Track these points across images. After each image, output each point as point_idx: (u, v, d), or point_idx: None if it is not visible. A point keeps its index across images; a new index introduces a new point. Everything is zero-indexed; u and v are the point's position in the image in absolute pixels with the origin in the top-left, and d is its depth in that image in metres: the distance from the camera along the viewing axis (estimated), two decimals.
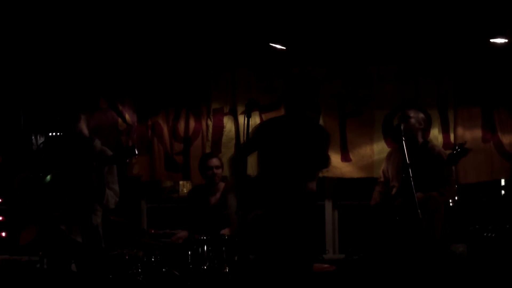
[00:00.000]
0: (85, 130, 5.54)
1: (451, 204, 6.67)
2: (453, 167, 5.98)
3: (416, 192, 5.26)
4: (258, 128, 5.39)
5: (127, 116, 7.51)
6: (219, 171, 6.66)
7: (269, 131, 5.16)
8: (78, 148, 5.41)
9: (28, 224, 4.99)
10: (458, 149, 5.54)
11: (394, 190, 5.98)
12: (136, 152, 5.06)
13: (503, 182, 7.62)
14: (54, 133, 5.56)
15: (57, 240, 5.28)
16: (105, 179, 5.43)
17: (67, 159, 5.34)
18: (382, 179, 6.31)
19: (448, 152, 6.05)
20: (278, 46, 6.98)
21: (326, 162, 5.05)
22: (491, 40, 6.71)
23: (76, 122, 5.42)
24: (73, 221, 5.30)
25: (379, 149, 7.18)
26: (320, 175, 5.56)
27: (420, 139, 6.08)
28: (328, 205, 7.68)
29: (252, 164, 5.35)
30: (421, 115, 6.17)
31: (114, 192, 5.53)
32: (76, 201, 5.25)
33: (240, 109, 7.36)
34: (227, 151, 7.35)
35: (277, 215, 4.89)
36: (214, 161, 6.67)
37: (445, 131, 7.09)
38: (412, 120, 6.01)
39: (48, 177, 5.20)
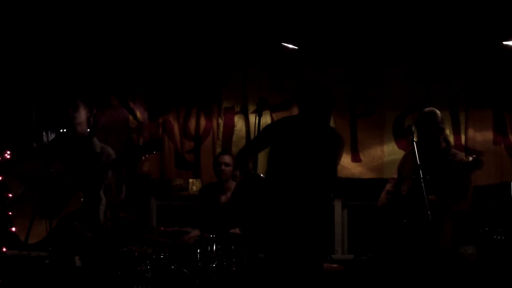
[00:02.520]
0: (84, 127, 5.51)
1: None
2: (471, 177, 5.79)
3: (430, 194, 5.24)
4: (272, 125, 5.36)
5: (138, 114, 7.53)
6: (227, 168, 6.66)
7: (284, 129, 5.13)
8: (78, 146, 5.41)
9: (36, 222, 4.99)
10: (471, 160, 5.36)
11: (405, 191, 5.89)
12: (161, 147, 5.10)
13: None
14: (63, 130, 5.55)
15: (66, 236, 5.29)
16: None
17: (68, 156, 5.34)
18: (395, 176, 6.13)
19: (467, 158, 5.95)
20: (290, 46, 6.98)
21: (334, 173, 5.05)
22: (504, 43, 6.69)
23: (72, 119, 5.40)
24: (85, 217, 5.32)
25: (390, 150, 7.18)
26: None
27: (443, 143, 5.85)
28: (338, 205, 7.68)
29: (261, 163, 5.34)
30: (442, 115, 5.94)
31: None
32: (86, 197, 5.26)
33: (251, 108, 7.37)
34: (238, 150, 7.32)
35: (288, 215, 4.89)
36: (225, 158, 6.68)
37: (456, 133, 7.07)
38: (439, 120, 5.78)
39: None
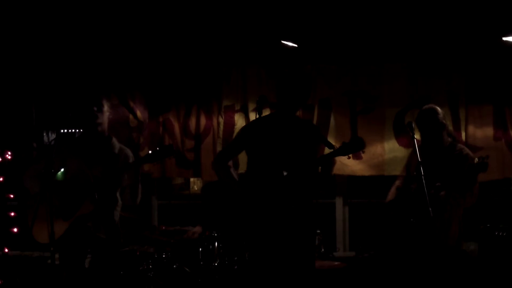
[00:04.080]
0: (105, 127, 5.45)
1: None
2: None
3: (441, 191, 5.22)
4: (247, 127, 5.26)
5: (138, 113, 7.53)
6: None
7: (260, 130, 5.05)
8: (98, 147, 5.39)
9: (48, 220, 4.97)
10: (477, 162, 5.28)
11: (414, 187, 5.85)
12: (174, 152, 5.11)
13: None
14: (65, 130, 5.53)
15: (80, 237, 5.27)
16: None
17: (86, 156, 5.32)
18: (404, 173, 6.12)
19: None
20: (290, 43, 6.98)
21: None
22: (503, 38, 6.68)
23: (95, 118, 5.37)
24: (100, 219, 5.30)
25: (390, 147, 7.17)
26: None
27: (447, 138, 5.84)
28: (339, 203, 7.69)
29: (243, 162, 5.28)
30: (442, 111, 5.92)
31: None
32: (102, 198, 5.25)
33: (251, 106, 7.36)
34: None
35: (274, 214, 4.84)
36: None
37: (456, 129, 7.05)
38: (440, 116, 5.76)
39: (60, 174, 5.20)
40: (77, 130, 5.45)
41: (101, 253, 5.33)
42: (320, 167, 5.06)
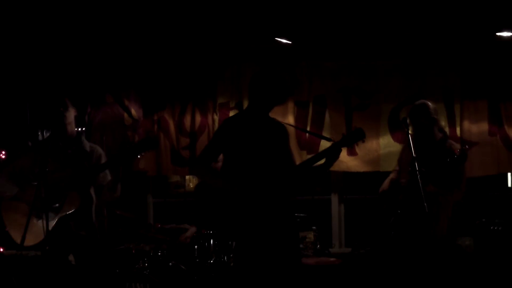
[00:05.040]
0: (73, 126, 5.46)
1: None
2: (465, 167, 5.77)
3: (427, 184, 5.23)
4: (224, 126, 5.19)
5: (133, 111, 7.51)
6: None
7: (237, 129, 4.94)
8: (68, 147, 5.39)
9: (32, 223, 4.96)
10: (458, 154, 5.32)
11: (403, 182, 5.88)
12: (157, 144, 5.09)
13: (509, 176, 7.61)
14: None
15: (62, 236, 5.28)
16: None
17: (60, 156, 5.33)
18: (397, 168, 6.13)
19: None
20: (284, 41, 6.98)
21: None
22: (497, 34, 6.69)
23: (63, 118, 5.39)
24: (80, 217, 5.31)
25: (385, 143, 7.19)
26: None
27: (438, 134, 5.85)
28: (334, 199, 7.69)
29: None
30: (434, 106, 5.93)
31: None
32: (83, 196, 5.26)
33: (246, 103, 7.34)
34: None
35: (261, 216, 4.81)
36: None
37: (451, 125, 7.08)
38: (431, 111, 5.78)
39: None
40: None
41: (83, 250, 5.35)
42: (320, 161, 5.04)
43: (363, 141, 5.05)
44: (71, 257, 5.54)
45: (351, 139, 4.99)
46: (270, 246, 4.78)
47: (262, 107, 4.95)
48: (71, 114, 5.42)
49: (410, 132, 5.47)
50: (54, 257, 5.25)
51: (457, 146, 5.91)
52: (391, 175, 6.12)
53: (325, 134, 7.08)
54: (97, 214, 5.55)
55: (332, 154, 4.96)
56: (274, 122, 5.04)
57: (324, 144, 5.07)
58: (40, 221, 5.02)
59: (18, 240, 5.08)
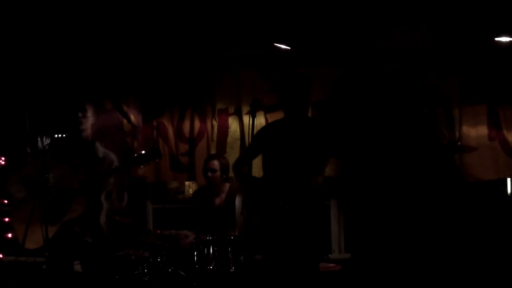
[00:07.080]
0: (89, 132, 5.53)
1: None
2: None
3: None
4: (260, 132, 5.38)
5: (132, 117, 7.52)
6: (215, 174, 6.63)
7: (272, 133, 5.17)
8: (82, 151, 5.42)
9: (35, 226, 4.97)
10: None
11: None
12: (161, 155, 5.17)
13: (509, 180, 7.60)
14: (59, 135, 5.56)
15: (66, 241, 5.28)
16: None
17: (71, 161, 5.34)
18: None
19: None
20: (283, 46, 6.98)
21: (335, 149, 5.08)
22: (496, 39, 6.70)
23: (78, 124, 5.41)
24: (86, 223, 5.31)
25: None
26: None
27: None
28: (334, 205, 7.68)
29: (257, 166, 5.33)
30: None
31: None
32: (88, 202, 5.26)
33: (245, 109, 7.36)
34: (232, 151, 7.35)
35: (286, 215, 4.89)
36: (211, 164, 6.64)
37: (450, 129, 7.08)
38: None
39: (51, 178, 5.20)
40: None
41: (89, 257, 5.34)
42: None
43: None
44: (77, 264, 5.55)
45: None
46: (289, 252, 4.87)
47: (296, 109, 5.06)
48: (89, 120, 5.45)
49: None
50: (55, 263, 5.25)
51: None
52: None
53: None
54: (107, 220, 5.57)
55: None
56: (310, 121, 5.14)
57: None
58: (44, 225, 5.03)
59: (26, 244, 5.10)
